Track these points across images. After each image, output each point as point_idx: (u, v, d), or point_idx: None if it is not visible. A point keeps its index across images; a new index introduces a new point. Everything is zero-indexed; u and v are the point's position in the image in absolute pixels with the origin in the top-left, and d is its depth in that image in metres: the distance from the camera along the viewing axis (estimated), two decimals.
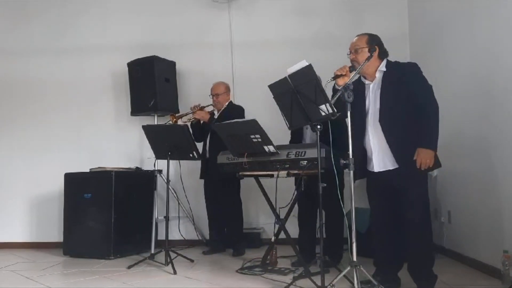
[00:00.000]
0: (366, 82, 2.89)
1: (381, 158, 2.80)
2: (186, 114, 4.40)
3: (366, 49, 2.81)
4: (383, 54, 2.87)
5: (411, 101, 2.71)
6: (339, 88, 2.69)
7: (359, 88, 2.89)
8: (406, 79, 2.74)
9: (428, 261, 2.78)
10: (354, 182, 2.67)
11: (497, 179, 3.10)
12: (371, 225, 3.14)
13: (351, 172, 2.63)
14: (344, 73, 2.76)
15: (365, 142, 2.85)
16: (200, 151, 4.04)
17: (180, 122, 4.30)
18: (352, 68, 2.80)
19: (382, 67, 2.84)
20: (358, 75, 2.87)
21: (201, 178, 4.47)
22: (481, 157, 3.30)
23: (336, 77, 2.76)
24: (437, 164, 2.75)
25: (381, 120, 2.77)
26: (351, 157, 2.63)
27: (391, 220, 2.87)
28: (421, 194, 2.75)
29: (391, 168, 2.77)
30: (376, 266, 2.97)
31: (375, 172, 2.83)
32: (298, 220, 3.72)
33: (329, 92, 2.73)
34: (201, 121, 4.34)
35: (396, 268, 2.92)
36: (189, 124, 4.30)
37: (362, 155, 2.87)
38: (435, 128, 2.68)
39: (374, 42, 2.85)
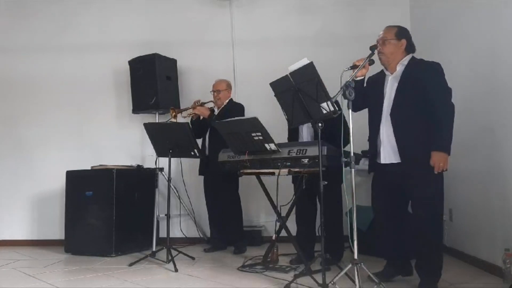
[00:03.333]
0: (387, 73, 2.90)
1: (387, 150, 2.81)
2: (186, 109, 4.41)
3: (394, 41, 2.83)
4: (410, 48, 2.87)
5: (426, 100, 2.70)
6: (351, 80, 2.70)
7: (379, 79, 2.92)
8: (426, 77, 2.73)
9: (433, 258, 2.76)
10: (369, 173, 2.69)
11: (498, 177, 3.09)
12: (372, 223, 3.15)
13: (353, 170, 2.64)
14: (364, 65, 2.77)
15: (378, 134, 2.86)
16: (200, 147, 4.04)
17: (180, 117, 4.31)
18: (372, 62, 2.80)
19: (405, 61, 2.84)
20: (365, 70, 2.87)
21: (200, 174, 4.48)
22: (483, 155, 3.30)
23: (354, 67, 2.76)
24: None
25: (392, 114, 2.78)
26: (352, 154, 2.64)
27: (393, 214, 2.89)
28: (429, 194, 2.72)
29: (395, 162, 2.77)
30: (386, 258, 3.01)
31: (382, 164, 2.84)
32: (296, 217, 3.71)
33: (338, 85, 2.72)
34: (201, 118, 4.34)
35: (405, 257, 2.96)
36: (189, 120, 4.31)
37: (376, 146, 2.88)
38: (449, 131, 2.66)
39: (402, 36, 2.86)
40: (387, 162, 2.81)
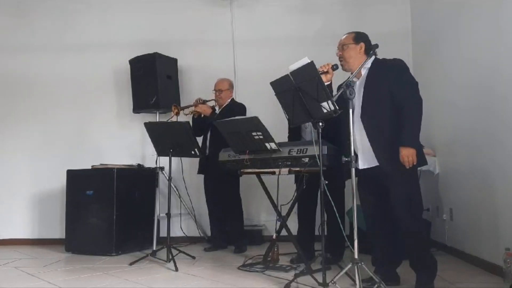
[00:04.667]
0: (354, 79, 2.88)
1: (365, 156, 2.81)
2: (189, 107, 4.41)
3: (352, 46, 2.85)
4: (370, 51, 2.85)
5: (393, 98, 2.71)
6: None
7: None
8: (390, 75, 2.75)
9: (423, 257, 2.76)
10: (345, 180, 2.68)
11: (499, 177, 3.09)
12: None
13: (353, 169, 2.64)
14: (326, 70, 2.79)
15: (351, 141, 2.82)
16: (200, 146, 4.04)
17: (181, 114, 4.31)
18: (335, 66, 2.82)
19: (367, 64, 2.84)
20: (330, 75, 2.87)
21: (199, 172, 4.48)
22: (483, 154, 3.29)
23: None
24: (422, 161, 2.75)
25: (363, 117, 2.78)
26: (352, 154, 2.64)
27: (384, 217, 2.88)
28: (407, 192, 2.72)
29: (374, 165, 2.78)
30: (375, 264, 2.97)
31: (363, 169, 2.84)
32: (297, 217, 3.72)
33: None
34: (202, 116, 4.35)
35: (394, 265, 2.94)
36: (190, 118, 4.31)
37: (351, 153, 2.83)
38: (417, 125, 2.69)
39: (360, 40, 2.88)
40: (366, 166, 2.82)
